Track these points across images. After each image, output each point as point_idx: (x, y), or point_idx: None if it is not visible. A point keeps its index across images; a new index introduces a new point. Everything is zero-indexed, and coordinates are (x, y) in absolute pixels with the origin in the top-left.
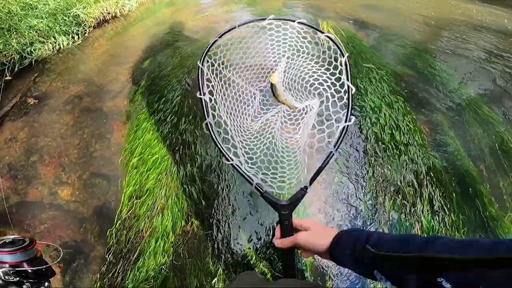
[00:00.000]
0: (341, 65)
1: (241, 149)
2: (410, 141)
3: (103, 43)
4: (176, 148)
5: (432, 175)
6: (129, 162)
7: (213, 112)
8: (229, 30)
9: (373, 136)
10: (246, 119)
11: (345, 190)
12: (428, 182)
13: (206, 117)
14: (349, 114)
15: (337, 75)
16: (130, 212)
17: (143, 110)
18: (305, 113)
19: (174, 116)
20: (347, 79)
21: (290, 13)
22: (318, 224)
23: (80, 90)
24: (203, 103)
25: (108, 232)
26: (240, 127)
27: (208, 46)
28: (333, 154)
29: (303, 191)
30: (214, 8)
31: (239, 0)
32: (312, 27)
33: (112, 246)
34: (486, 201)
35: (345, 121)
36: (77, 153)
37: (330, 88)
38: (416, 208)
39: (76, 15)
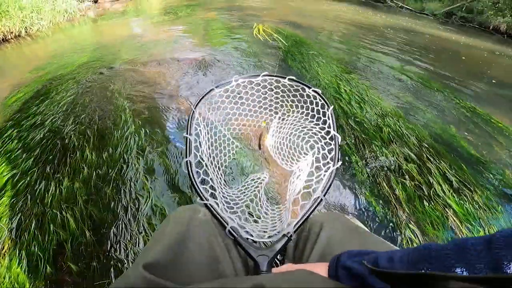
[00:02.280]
0: (328, 118)
1: (221, 195)
2: (383, 112)
3: None
4: (50, 158)
5: (427, 145)
6: None
7: (196, 153)
8: (226, 82)
9: (341, 112)
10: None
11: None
12: (427, 155)
13: (188, 155)
14: (336, 158)
15: (326, 129)
16: None
17: (12, 116)
18: (293, 177)
19: (58, 118)
20: (333, 129)
21: (224, 18)
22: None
23: None
24: (188, 142)
25: None
26: (223, 181)
27: (204, 94)
28: (321, 200)
29: (286, 238)
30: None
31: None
32: (300, 83)
33: None
34: (496, 170)
35: (333, 165)
36: None
37: (320, 141)
38: (433, 188)
39: None
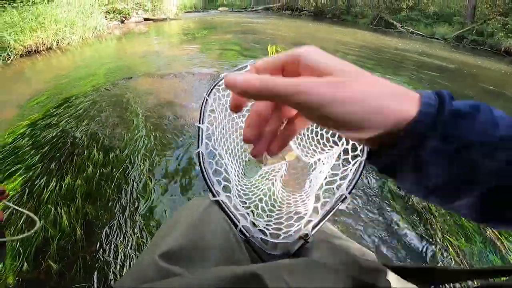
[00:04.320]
0: None
1: (235, 187)
2: None
3: (22, 67)
4: (57, 155)
5: None
6: None
7: (208, 142)
8: (240, 67)
9: None
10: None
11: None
12: None
13: (199, 145)
14: (365, 148)
15: None
16: None
17: (30, 117)
18: (313, 170)
19: (73, 120)
20: None
21: (240, 40)
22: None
23: None
24: (200, 131)
25: None
26: (240, 170)
27: (217, 81)
28: (345, 197)
29: (302, 241)
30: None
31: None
32: None
33: None
34: None
35: (361, 156)
36: None
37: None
38: None
39: (3, 40)
